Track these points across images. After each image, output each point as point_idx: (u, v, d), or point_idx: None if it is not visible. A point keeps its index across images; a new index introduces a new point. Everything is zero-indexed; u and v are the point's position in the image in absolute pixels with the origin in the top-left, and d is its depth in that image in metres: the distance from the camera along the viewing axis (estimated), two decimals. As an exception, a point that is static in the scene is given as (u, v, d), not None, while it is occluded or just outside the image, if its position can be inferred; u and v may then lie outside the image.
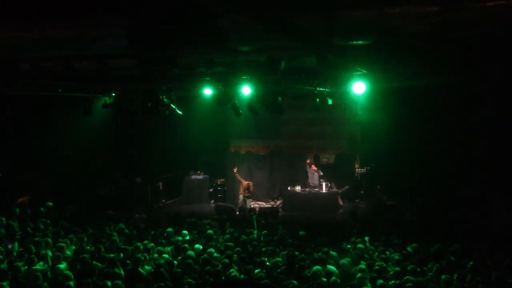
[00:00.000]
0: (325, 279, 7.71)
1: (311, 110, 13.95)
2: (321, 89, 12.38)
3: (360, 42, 6.75)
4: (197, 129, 16.82)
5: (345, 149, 15.86)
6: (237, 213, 13.96)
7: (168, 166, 16.80)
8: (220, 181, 16.60)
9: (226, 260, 8.72)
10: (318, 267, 8.10)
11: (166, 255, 9.09)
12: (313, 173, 15.18)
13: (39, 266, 8.42)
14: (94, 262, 8.72)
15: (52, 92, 13.26)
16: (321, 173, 15.07)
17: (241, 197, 15.18)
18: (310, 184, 15.16)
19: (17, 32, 7.22)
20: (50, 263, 8.68)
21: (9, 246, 9.65)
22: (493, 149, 12.33)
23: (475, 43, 7.40)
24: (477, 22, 5.69)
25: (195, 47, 5.70)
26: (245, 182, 15.37)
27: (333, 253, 9.10)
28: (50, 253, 9.12)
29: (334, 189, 15.04)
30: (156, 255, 9.29)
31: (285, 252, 9.13)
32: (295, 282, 7.45)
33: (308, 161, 15.62)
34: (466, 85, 11.80)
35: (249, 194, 15.22)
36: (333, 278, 7.69)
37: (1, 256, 8.91)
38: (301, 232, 10.57)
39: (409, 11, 5.62)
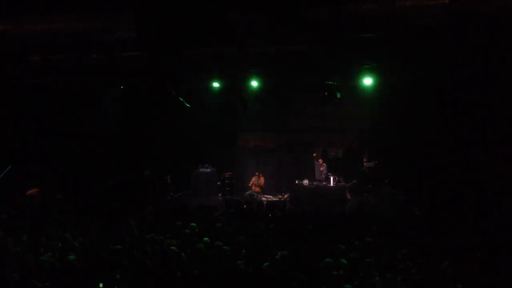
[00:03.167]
0: (335, 272, 7.70)
1: (319, 104, 13.94)
2: (330, 82, 12.35)
3: (369, 35, 6.71)
4: (205, 122, 16.84)
5: (354, 143, 15.80)
6: (245, 206, 13.97)
7: (176, 159, 16.82)
8: (228, 174, 16.61)
9: (234, 253, 8.74)
10: (330, 259, 8.11)
11: (174, 248, 9.10)
12: (319, 166, 15.15)
13: (47, 257, 8.48)
14: (102, 253, 8.77)
15: (61, 85, 13.34)
16: (325, 166, 15.01)
17: (250, 191, 15.18)
18: (316, 178, 15.13)
19: (25, 25, 7.24)
20: (59, 254, 8.74)
21: (23, 238, 9.73)
22: (506, 145, 12.21)
23: (484, 37, 7.32)
24: (487, 16, 5.63)
25: (204, 40, 5.68)
26: (253, 178, 15.37)
27: (341, 246, 9.08)
28: (59, 244, 9.20)
29: (342, 183, 15.00)
30: (164, 247, 9.32)
31: (293, 246, 9.13)
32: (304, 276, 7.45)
33: (314, 155, 15.58)
34: (478, 79, 11.67)
35: (260, 189, 15.22)
36: (341, 271, 7.69)
37: (13, 248, 8.98)
38: (309, 226, 10.57)
39: (419, 4, 5.56)
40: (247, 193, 15.11)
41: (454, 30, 6.06)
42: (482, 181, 12.32)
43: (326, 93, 12.62)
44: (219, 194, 16.23)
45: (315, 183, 15.06)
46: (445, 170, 12.86)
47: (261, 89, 12.66)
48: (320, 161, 15.13)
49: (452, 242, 9.52)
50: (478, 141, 12.51)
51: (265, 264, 8.26)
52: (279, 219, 11.75)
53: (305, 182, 15.14)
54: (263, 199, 15.15)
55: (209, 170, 16.93)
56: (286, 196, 15.34)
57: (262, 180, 15.35)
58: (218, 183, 16.63)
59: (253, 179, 15.35)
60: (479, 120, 12.55)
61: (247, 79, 12.27)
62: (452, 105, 12.84)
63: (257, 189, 15.22)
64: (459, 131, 12.88)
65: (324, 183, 14.88)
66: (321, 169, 15.09)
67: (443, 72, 11.26)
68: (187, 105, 13.98)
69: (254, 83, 12.59)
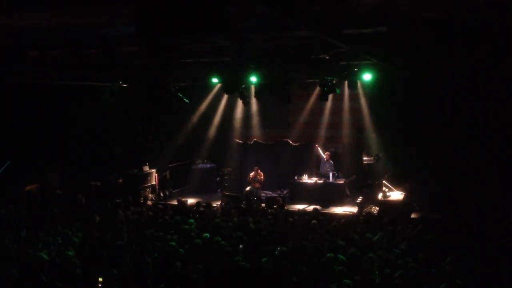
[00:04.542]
0: (337, 267, 7.69)
1: (319, 99, 13.90)
2: (329, 78, 12.31)
3: (369, 30, 6.67)
4: (204, 118, 16.82)
5: (353, 139, 15.78)
6: (244, 202, 13.94)
7: (175, 155, 16.81)
8: (227, 170, 16.60)
9: (233, 249, 8.74)
10: (331, 254, 8.11)
11: (173, 243, 9.10)
12: (325, 163, 15.11)
13: (45, 253, 8.45)
14: (101, 249, 8.75)
15: (60, 80, 13.29)
16: (331, 163, 15.00)
17: (250, 187, 15.15)
18: (321, 172, 15.08)
19: (24, 19, 7.19)
20: (58, 250, 8.72)
21: (22, 233, 9.71)
22: (507, 141, 12.19)
23: (488, 32, 7.27)
24: (489, 10, 5.60)
25: (203, 35, 5.64)
26: (252, 173, 15.32)
27: (341, 242, 9.08)
28: (60, 240, 9.18)
29: (341, 179, 14.99)
30: (163, 243, 9.31)
31: (292, 241, 9.12)
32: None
33: (316, 145, 15.56)
34: (480, 75, 11.63)
35: (259, 185, 15.19)
36: (340, 267, 7.70)
37: (11, 243, 8.96)
38: (312, 221, 10.56)
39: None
40: (247, 189, 15.08)
41: (455, 24, 6.02)
42: (482, 177, 12.30)
43: (325, 88, 12.59)
44: (218, 190, 16.22)
45: (314, 178, 15.03)
46: (445, 165, 12.83)
47: (260, 84, 12.62)
48: (327, 157, 15.11)
49: (451, 238, 9.52)
50: (478, 137, 12.49)
51: (264, 259, 8.27)
52: (279, 215, 11.73)
53: (304, 178, 15.13)
54: (262, 195, 15.14)
55: (208, 166, 16.92)
56: (285, 192, 15.33)
57: (261, 175, 15.32)
58: (217, 179, 16.62)
59: (252, 174, 15.31)
60: (480, 116, 12.52)
61: (246, 74, 12.23)
62: (452, 100, 12.81)
63: (257, 185, 15.20)
64: (459, 127, 12.85)
65: (323, 179, 14.86)
66: (327, 165, 15.05)
67: (444, 66, 11.21)
68: (186, 100, 13.94)
69: (253, 79, 12.56)
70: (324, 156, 15.16)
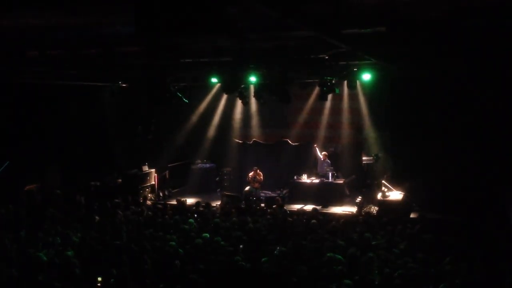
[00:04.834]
0: (337, 267, 7.69)
1: (318, 99, 13.91)
2: (329, 78, 12.32)
3: (369, 30, 6.67)
4: (203, 118, 16.83)
5: (352, 139, 15.79)
6: (243, 201, 13.95)
7: (174, 155, 16.82)
8: (226, 169, 16.60)
9: (233, 248, 8.74)
10: (331, 254, 8.11)
11: (173, 243, 9.10)
12: (323, 162, 15.12)
13: (44, 253, 8.44)
14: (100, 249, 8.75)
15: (60, 80, 13.29)
16: (328, 163, 15.01)
17: (249, 187, 15.14)
18: (319, 172, 15.09)
19: (24, 19, 7.19)
20: (58, 250, 8.71)
21: (21, 233, 9.70)
22: (506, 142, 12.20)
23: (488, 32, 7.26)
24: (489, 10, 5.60)
25: (203, 35, 5.64)
26: (251, 173, 15.31)
27: (341, 242, 9.08)
28: (58, 240, 9.18)
29: (341, 179, 14.99)
30: (163, 243, 9.30)
31: (291, 241, 9.12)
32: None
33: (315, 145, 15.57)
34: (480, 76, 11.62)
35: (258, 185, 15.18)
36: (340, 267, 7.70)
37: (11, 243, 8.95)
38: (312, 221, 10.56)
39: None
40: (246, 189, 15.08)
41: (455, 24, 6.02)
42: (482, 177, 12.31)
43: (324, 88, 12.60)
44: (218, 190, 16.22)
45: (313, 178, 15.04)
46: (445, 165, 12.83)
47: (260, 84, 12.63)
48: (324, 157, 15.10)
49: (451, 238, 9.53)
50: (478, 137, 12.49)
51: (264, 259, 8.27)
52: (278, 215, 11.73)
53: (304, 177, 15.12)
54: (262, 194, 15.13)
55: (207, 166, 16.92)
56: (285, 192, 15.32)
57: (261, 175, 15.32)
58: (217, 179, 16.62)
59: (251, 174, 15.30)
60: (480, 116, 12.52)
61: (246, 74, 12.24)
62: (452, 100, 12.81)
63: (256, 185, 15.19)
64: (459, 127, 12.85)
65: (323, 178, 14.87)
66: (324, 165, 15.05)
67: (443, 66, 11.22)
68: (186, 100, 13.95)
69: (253, 79, 12.57)
70: (321, 157, 15.16)
